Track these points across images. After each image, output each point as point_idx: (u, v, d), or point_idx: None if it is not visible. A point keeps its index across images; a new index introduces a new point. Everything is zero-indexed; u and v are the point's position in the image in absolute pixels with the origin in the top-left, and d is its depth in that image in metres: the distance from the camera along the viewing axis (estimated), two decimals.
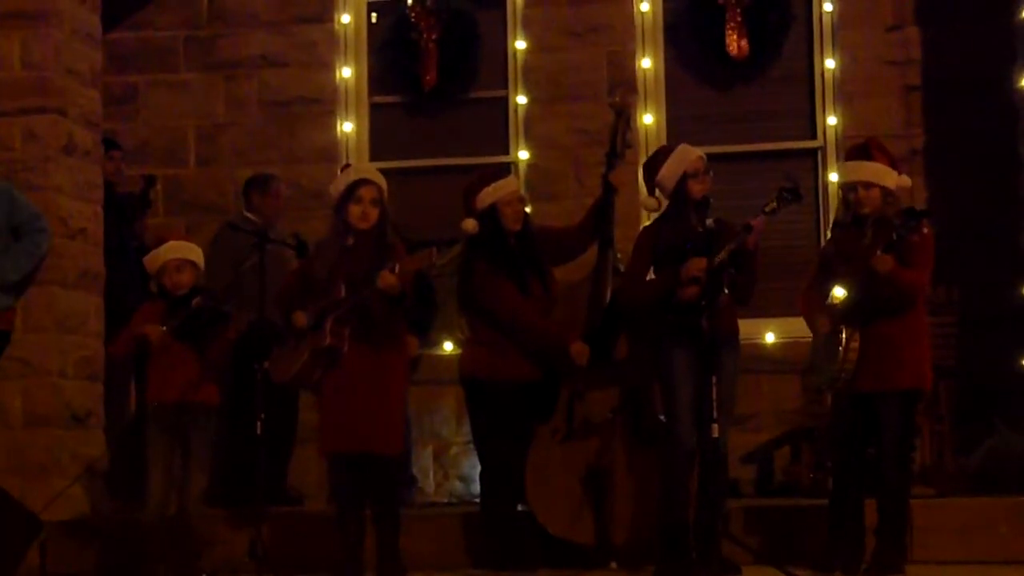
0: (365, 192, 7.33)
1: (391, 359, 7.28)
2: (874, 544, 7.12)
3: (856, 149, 7.34)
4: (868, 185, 7.12)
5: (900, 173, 7.24)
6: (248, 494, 7.77)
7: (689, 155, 7.38)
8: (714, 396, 6.87)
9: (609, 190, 8.03)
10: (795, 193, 7.11)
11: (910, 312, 7.12)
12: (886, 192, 7.13)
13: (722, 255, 7.01)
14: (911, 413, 7.18)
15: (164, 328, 7.23)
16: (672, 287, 7.15)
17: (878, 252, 6.84)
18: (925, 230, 6.92)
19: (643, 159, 8.20)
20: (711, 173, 7.39)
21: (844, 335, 6.99)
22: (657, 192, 7.53)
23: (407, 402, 8.01)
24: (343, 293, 7.17)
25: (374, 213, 7.31)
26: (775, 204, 7.08)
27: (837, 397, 7.28)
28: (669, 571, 7.12)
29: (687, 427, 7.21)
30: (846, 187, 7.21)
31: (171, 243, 7.47)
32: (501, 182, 7.97)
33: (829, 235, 7.38)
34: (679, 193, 7.35)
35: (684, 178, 7.32)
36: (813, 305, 7.26)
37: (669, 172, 7.36)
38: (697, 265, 7.06)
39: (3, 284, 7.45)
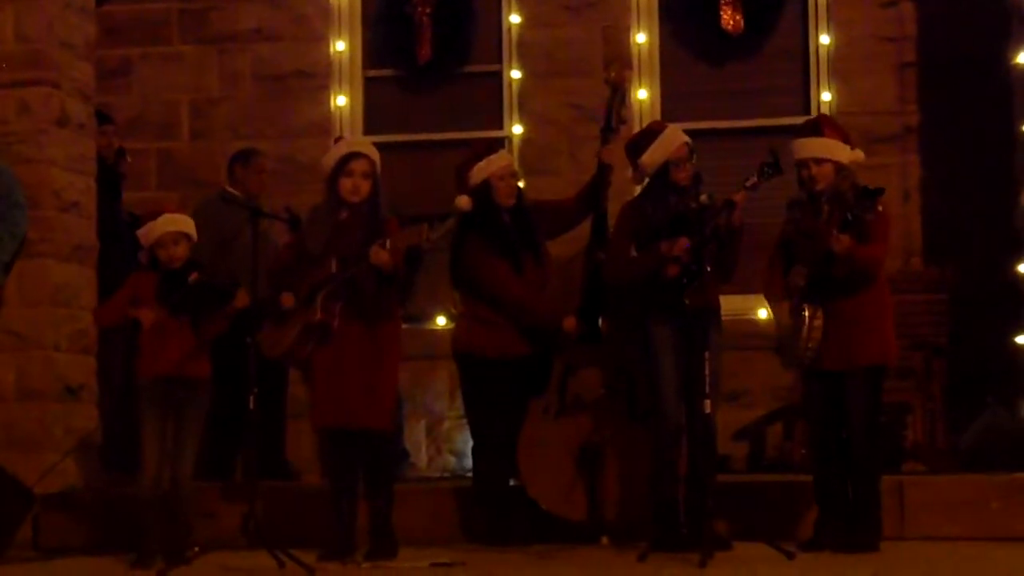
0: (356, 166, 7.30)
1: (382, 335, 7.26)
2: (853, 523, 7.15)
3: (806, 126, 7.32)
4: (820, 161, 7.12)
5: (854, 148, 7.23)
6: (242, 468, 7.77)
7: (673, 142, 7.38)
8: (707, 372, 6.88)
9: (604, 166, 8.02)
10: (775, 167, 7.11)
11: (872, 288, 7.13)
12: (839, 167, 7.13)
13: (705, 232, 7.02)
14: (878, 389, 7.19)
15: (158, 310, 7.17)
16: (656, 265, 7.16)
17: (834, 233, 6.85)
18: (880, 208, 6.92)
19: None
20: (695, 158, 7.39)
21: (807, 313, 7.00)
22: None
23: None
24: (335, 268, 7.16)
25: (365, 186, 7.28)
26: (756, 178, 7.09)
27: (806, 376, 7.28)
28: (661, 547, 7.13)
29: (672, 403, 7.24)
30: (799, 164, 7.18)
31: (166, 216, 7.42)
32: (493, 157, 7.95)
33: (786, 215, 7.34)
34: (660, 178, 7.37)
35: (666, 165, 7.33)
36: (774, 286, 7.25)
37: (651, 158, 7.37)
38: (680, 245, 7.08)
39: (1, 266, 7.52)
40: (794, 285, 7.10)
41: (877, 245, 7.09)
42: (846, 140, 7.23)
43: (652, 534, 7.26)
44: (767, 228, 7.69)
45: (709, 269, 7.08)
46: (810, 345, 7.02)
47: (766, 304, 9.24)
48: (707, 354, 6.90)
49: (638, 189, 7.78)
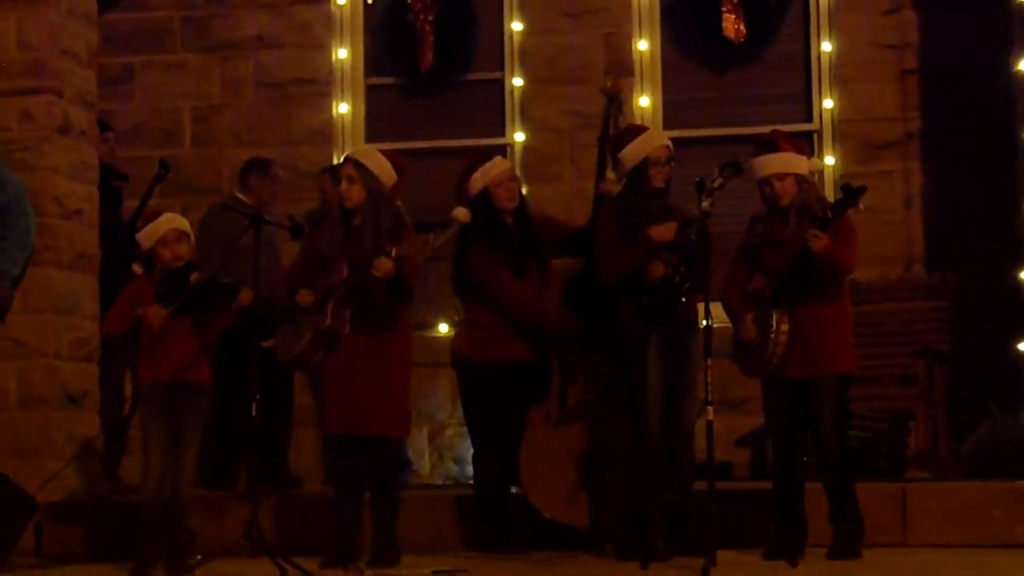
0: (342, 171, 7.37)
1: (391, 343, 7.27)
2: (832, 531, 7.13)
3: (761, 144, 7.30)
4: (781, 176, 7.13)
5: (809, 157, 7.27)
6: (245, 475, 7.77)
7: (654, 141, 7.44)
8: (708, 379, 6.88)
9: (601, 197, 7.99)
10: (736, 166, 7.15)
11: (836, 298, 7.15)
12: (800, 179, 7.15)
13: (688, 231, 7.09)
14: (845, 397, 7.20)
15: (165, 311, 7.15)
16: (646, 254, 7.20)
17: (814, 231, 6.85)
18: (860, 207, 6.94)
19: None
20: (673, 163, 7.44)
21: (775, 319, 7.01)
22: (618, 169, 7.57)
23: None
24: (345, 274, 7.17)
25: (352, 190, 7.26)
26: (720, 178, 7.12)
27: (767, 384, 7.26)
28: (632, 557, 7.11)
29: (655, 412, 7.27)
30: (761, 182, 7.19)
31: (167, 215, 7.44)
32: (489, 164, 7.93)
33: (748, 228, 7.34)
34: (637, 175, 7.39)
35: (644, 163, 7.36)
36: (734, 294, 7.25)
37: (631, 153, 7.41)
38: (669, 229, 7.17)
39: (10, 281, 7.55)
40: (755, 292, 7.11)
41: (851, 247, 7.11)
42: (801, 151, 7.26)
43: (623, 544, 7.33)
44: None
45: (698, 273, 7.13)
46: (778, 351, 7.02)
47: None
48: (709, 361, 6.92)
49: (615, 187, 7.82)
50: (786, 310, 7.01)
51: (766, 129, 9.52)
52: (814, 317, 7.04)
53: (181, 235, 7.31)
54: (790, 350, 7.02)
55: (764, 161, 7.19)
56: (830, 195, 9.74)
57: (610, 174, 7.92)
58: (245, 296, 7.13)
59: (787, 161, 7.16)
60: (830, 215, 6.90)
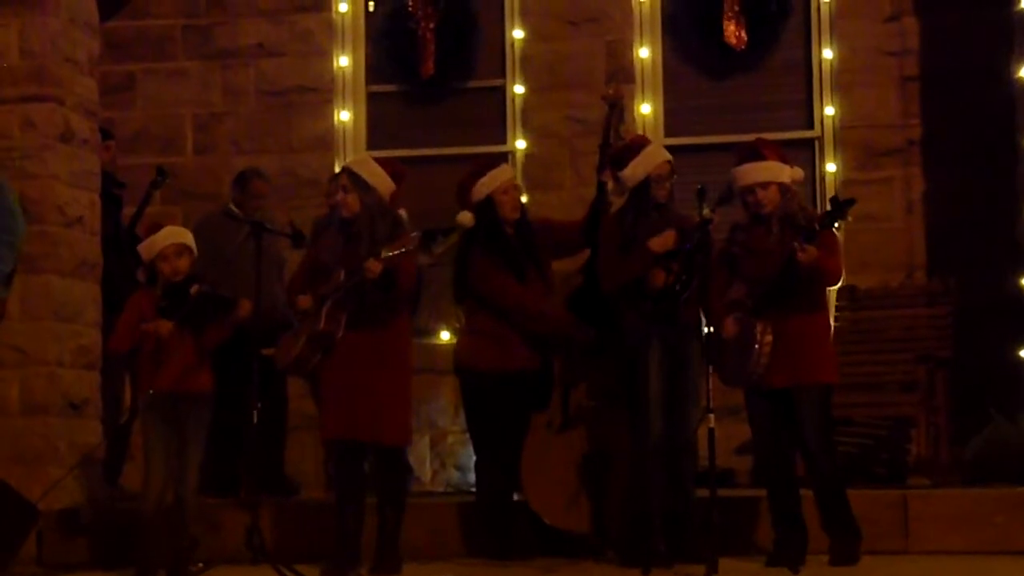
0: (338, 181, 7.43)
1: (387, 346, 7.26)
2: (829, 539, 7.14)
3: (745, 152, 7.31)
4: (765, 185, 7.15)
5: (792, 166, 7.28)
6: (245, 482, 7.76)
7: (655, 159, 7.45)
8: (709, 386, 6.89)
9: (603, 190, 8.01)
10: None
11: (819, 307, 7.20)
12: (783, 188, 7.16)
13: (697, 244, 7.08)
14: (828, 405, 7.21)
15: (172, 323, 7.17)
16: (647, 265, 7.22)
17: (800, 244, 6.85)
18: (850, 219, 6.95)
19: None
20: (675, 176, 7.47)
21: (759, 330, 7.01)
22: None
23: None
24: (342, 279, 7.17)
25: (348, 200, 7.27)
26: (729, 192, 7.17)
27: (750, 394, 7.27)
28: (635, 563, 7.12)
29: (657, 418, 7.27)
30: (744, 190, 7.20)
31: (168, 228, 7.45)
32: (495, 172, 7.96)
33: (728, 236, 7.35)
34: (640, 192, 7.42)
35: (647, 181, 7.38)
36: (715, 305, 7.24)
37: (633, 172, 7.44)
38: (668, 239, 7.19)
39: (2, 278, 7.55)
40: (737, 301, 7.12)
41: (837, 257, 7.13)
42: (784, 160, 7.27)
43: (625, 550, 7.34)
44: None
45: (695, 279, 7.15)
46: (762, 362, 7.03)
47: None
48: (710, 368, 6.93)
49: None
50: (769, 320, 7.02)
51: (768, 136, 9.55)
52: (797, 327, 7.06)
53: (182, 249, 7.33)
54: (775, 360, 7.02)
55: (748, 169, 7.21)
56: (825, 204, 9.78)
57: (610, 185, 7.92)
58: (243, 308, 7.17)
59: (771, 169, 7.18)
60: (818, 227, 6.90)
